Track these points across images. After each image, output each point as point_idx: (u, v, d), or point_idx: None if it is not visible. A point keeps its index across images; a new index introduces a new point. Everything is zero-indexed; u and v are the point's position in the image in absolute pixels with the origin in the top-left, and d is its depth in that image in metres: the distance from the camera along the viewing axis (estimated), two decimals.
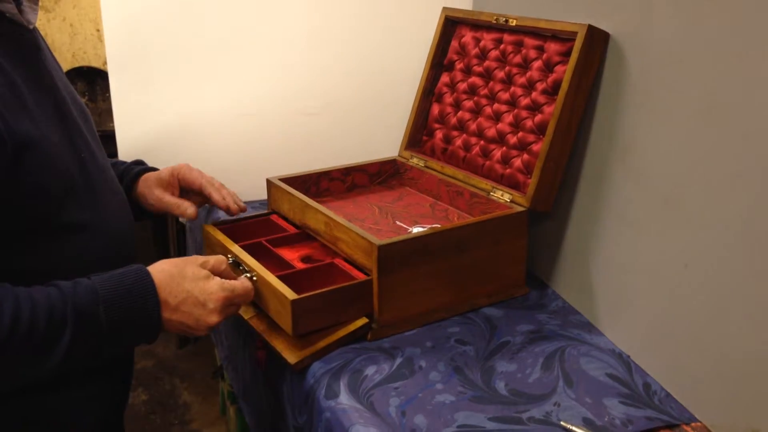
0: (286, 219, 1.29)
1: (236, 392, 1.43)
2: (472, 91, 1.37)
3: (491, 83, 1.33)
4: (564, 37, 1.19)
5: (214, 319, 0.97)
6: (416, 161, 1.43)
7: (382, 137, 1.57)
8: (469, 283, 1.17)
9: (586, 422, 0.92)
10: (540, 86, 1.23)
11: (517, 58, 1.28)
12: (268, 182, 1.32)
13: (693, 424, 0.92)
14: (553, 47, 1.21)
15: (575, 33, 1.14)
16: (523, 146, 1.25)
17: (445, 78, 1.43)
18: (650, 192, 1.03)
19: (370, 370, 1.02)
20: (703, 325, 0.94)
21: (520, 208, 1.19)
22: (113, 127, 1.52)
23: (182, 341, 2.90)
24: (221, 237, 1.19)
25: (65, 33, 2.95)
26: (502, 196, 1.23)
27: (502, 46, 1.31)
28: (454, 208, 1.33)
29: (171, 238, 2.77)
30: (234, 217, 1.27)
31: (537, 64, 1.24)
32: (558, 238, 1.25)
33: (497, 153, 1.29)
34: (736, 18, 0.87)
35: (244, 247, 1.16)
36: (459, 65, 1.40)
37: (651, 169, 1.03)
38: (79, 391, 0.99)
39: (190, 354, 2.86)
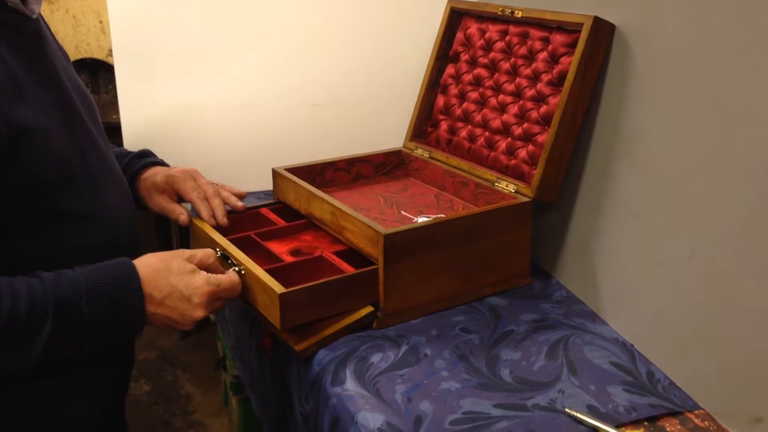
0: (290, 208, 1.29)
1: (243, 380, 1.44)
2: (477, 82, 1.37)
3: (496, 75, 1.33)
4: (570, 29, 1.20)
5: (199, 313, 0.97)
6: (421, 152, 1.43)
7: (387, 128, 1.58)
8: (473, 272, 1.17)
9: (590, 409, 0.93)
10: (545, 77, 1.23)
11: (523, 50, 1.28)
12: (274, 172, 1.32)
13: (696, 412, 0.93)
14: (558, 39, 1.22)
15: (581, 24, 1.15)
16: (528, 137, 1.25)
17: (450, 69, 1.43)
18: (655, 183, 1.04)
19: (375, 358, 1.03)
20: (707, 314, 0.95)
21: (525, 199, 1.19)
22: (116, 119, 1.52)
23: (184, 332, 2.91)
24: (209, 230, 1.18)
25: (68, 25, 2.95)
26: (507, 186, 1.24)
27: (507, 38, 1.32)
28: (458, 199, 1.34)
29: (174, 229, 2.78)
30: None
31: (542, 55, 1.24)
32: (562, 228, 1.25)
33: (502, 144, 1.30)
34: (743, 11, 0.88)
35: (232, 241, 1.15)
36: (464, 57, 1.41)
37: (656, 161, 1.04)
38: (77, 378, 0.99)
39: (192, 345, 2.87)
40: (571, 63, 1.16)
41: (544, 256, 1.30)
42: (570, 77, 1.16)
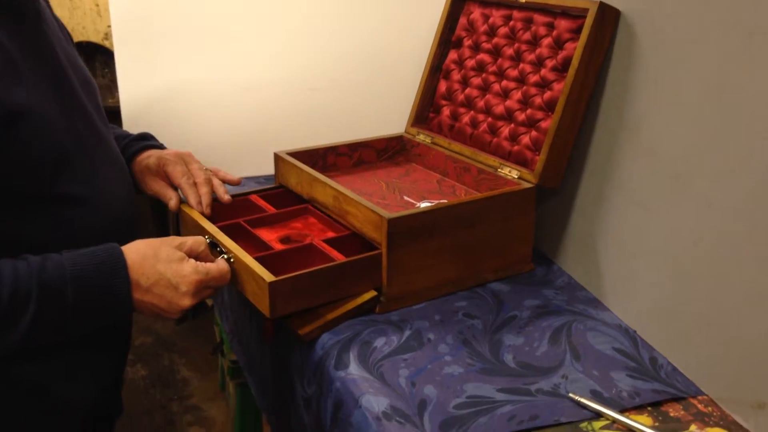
0: (293, 192, 1.29)
1: (242, 365, 1.44)
2: (480, 68, 1.37)
3: (500, 60, 1.33)
4: (575, 14, 1.19)
5: (186, 302, 0.96)
6: (423, 138, 1.43)
7: (389, 114, 1.57)
8: (476, 258, 1.17)
9: (593, 394, 0.93)
10: (549, 63, 1.23)
11: (527, 35, 1.28)
12: (276, 156, 1.32)
13: (700, 397, 0.93)
14: (563, 24, 1.21)
15: (586, 10, 1.14)
16: (531, 123, 1.25)
17: (453, 55, 1.43)
18: (660, 170, 1.04)
19: (379, 342, 1.03)
20: (711, 301, 0.95)
21: (528, 185, 1.19)
22: (111, 102, 1.51)
23: (180, 319, 2.91)
24: (197, 217, 1.17)
25: (65, 8, 2.93)
26: (510, 172, 1.24)
27: (511, 23, 1.31)
28: (461, 185, 1.34)
29: (169, 214, 2.76)
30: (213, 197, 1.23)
31: (547, 41, 1.24)
32: (565, 215, 1.25)
33: (505, 130, 1.30)
34: None
35: (221, 228, 1.14)
36: (467, 42, 1.40)
37: (661, 147, 1.04)
38: (72, 360, 0.99)
39: (188, 330, 2.87)
40: (575, 49, 1.16)
41: (546, 242, 1.30)
42: (575, 63, 1.15)
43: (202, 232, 1.13)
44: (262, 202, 1.27)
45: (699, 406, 0.92)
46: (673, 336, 1.01)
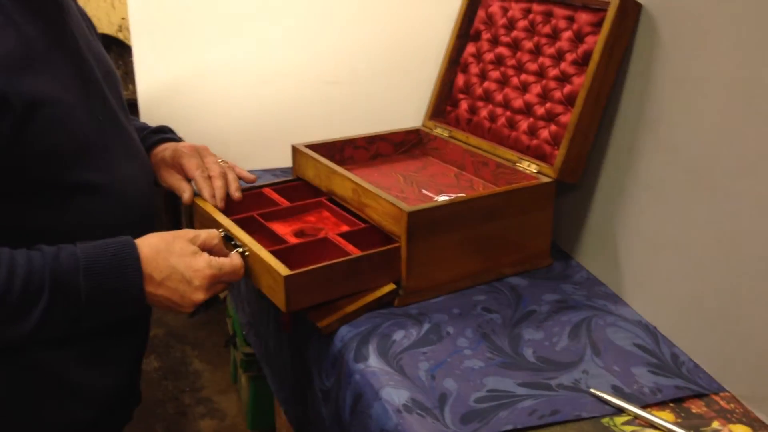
0: (310, 185, 1.29)
1: (258, 357, 1.44)
2: (498, 61, 1.36)
3: (519, 54, 1.32)
4: (595, 8, 1.18)
5: (199, 296, 0.96)
6: (440, 131, 1.42)
7: (405, 107, 1.57)
8: (494, 252, 1.17)
9: (615, 390, 0.93)
10: (570, 57, 1.22)
11: (546, 29, 1.27)
12: (294, 148, 1.31)
13: (722, 394, 0.93)
14: (584, 17, 1.20)
15: (607, 3, 1.14)
16: (550, 117, 1.24)
17: (471, 48, 1.42)
18: (681, 164, 1.03)
19: (398, 335, 1.03)
20: (733, 297, 0.94)
21: (547, 179, 1.19)
22: (126, 94, 1.51)
23: (193, 310, 2.92)
24: (211, 210, 1.16)
25: (79, 0, 2.93)
26: (529, 166, 1.23)
27: (530, 16, 1.30)
28: (478, 179, 1.33)
29: (182, 207, 2.77)
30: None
31: (567, 34, 1.23)
32: (583, 209, 1.25)
33: (524, 124, 1.29)
34: None
35: (235, 221, 1.13)
36: (486, 35, 1.39)
37: (682, 141, 1.03)
38: (92, 349, 0.99)
39: (200, 323, 2.88)
40: (596, 42, 1.15)
41: (564, 237, 1.30)
42: (595, 57, 1.14)
43: (215, 225, 1.13)
44: (275, 196, 1.27)
45: (721, 402, 0.91)
46: (695, 332, 1.00)
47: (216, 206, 1.18)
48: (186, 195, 1.18)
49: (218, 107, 1.52)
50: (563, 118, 1.22)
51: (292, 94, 1.56)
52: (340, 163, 1.32)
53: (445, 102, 1.46)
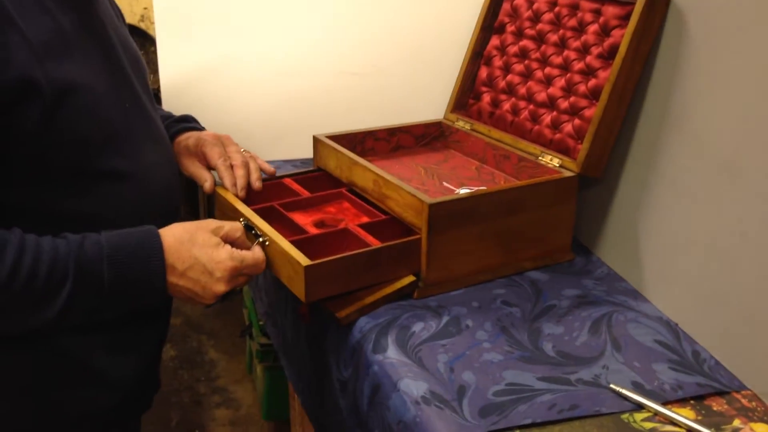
0: (331, 176, 1.29)
1: (276, 347, 1.44)
2: (522, 54, 1.35)
3: (543, 47, 1.31)
4: (623, 1, 1.17)
5: (221, 287, 0.96)
6: (462, 124, 1.42)
7: (428, 99, 1.56)
8: (515, 246, 1.16)
9: (635, 386, 0.92)
10: (595, 50, 1.21)
11: (572, 22, 1.26)
12: (315, 139, 1.31)
13: (743, 392, 0.92)
14: (611, 11, 1.19)
15: None
16: (574, 111, 1.23)
17: (495, 41, 1.41)
18: (706, 160, 1.02)
19: (417, 327, 1.02)
20: (756, 294, 0.93)
21: (570, 174, 1.18)
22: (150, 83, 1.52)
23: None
24: (232, 199, 1.16)
25: None
26: (552, 160, 1.22)
27: (556, 9, 1.29)
28: (500, 172, 1.33)
29: (201, 196, 2.78)
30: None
31: (593, 27, 1.22)
32: (606, 204, 1.24)
33: (547, 117, 1.28)
34: None
35: (255, 211, 1.13)
36: (510, 28, 1.38)
37: (708, 137, 1.02)
38: (115, 336, 1.00)
39: (216, 313, 2.90)
40: (623, 36, 1.14)
41: (586, 232, 1.29)
42: (622, 51, 1.13)
43: (236, 214, 1.13)
44: (296, 186, 1.27)
45: (743, 401, 0.90)
46: (716, 329, 0.99)
47: (237, 195, 1.18)
48: (207, 184, 1.18)
49: (240, 97, 1.52)
50: (587, 112, 1.21)
51: (314, 85, 1.56)
52: (360, 154, 1.32)
53: (467, 95, 1.45)
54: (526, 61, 1.34)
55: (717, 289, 1.00)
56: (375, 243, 1.07)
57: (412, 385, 0.91)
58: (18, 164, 0.88)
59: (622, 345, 1.00)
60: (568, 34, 1.26)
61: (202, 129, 1.28)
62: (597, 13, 1.21)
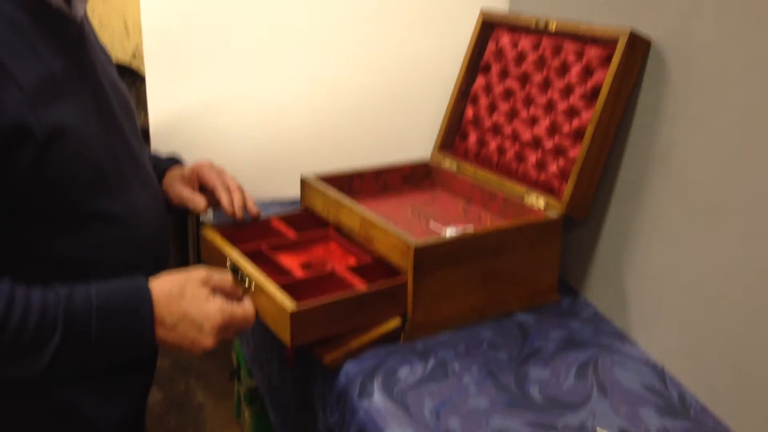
0: (319, 216, 1.28)
1: (262, 391, 1.42)
2: (508, 94, 1.36)
3: (528, 87, 1.32)
4: (605, 43, 1.18)
5: (209, 342, 0.95)
6: (449, 163, 1.42)
7: (415, 138, 1.57)
8: (501, 287, 1.16)
9: None
10: (579, 91, 1.22)
11: (556, 63, 1.27)
12: (302, 180, 1.31)
13: None
14: (593, 52, 1.20)
15: (617, 38, 1.13)
16: (559, 151, 1.24)
17: (480, 81, 1.42)
18: (689, 201, 1.02)
19: (403, 372, 1.01)
20: (742, 338, 0.93)
21: (555, 214, 1.18)
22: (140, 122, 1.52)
23: None
24: (219, 241, 1.16)
25: (93, 27, 2.97)
26: (537, 200, 1.22)
27: (540, 50, 1.30)
28: (486, 212, 1.32)
29: (191, 239, 2.77)
30: (236, 221, 1.24)
31: (576, 68, 1.23)
32: (591, 245, 1.24)
33: (532, 157, 1.28)
34: None
35: (243, 253, 1.13)
36: (495, 68, 1.39)
37: (691, 179, 1.02)
38: (101, 383, 0.99)
39: (205, 355, 2.84)
40: (605, 77, 1.15)
41: (572, 272, 1.28)
42: (604, 91, 1.14)
43: (223, 256, 1.13)
44: (283, 227, 1.26)
45: None
46: (703, 373, 0.98)
47: (233, 215, 1.19)
48: (201, 204, 1.18)
49: (229, 137, 1.53)
50: (572, 153, 1.21)
51: (303, 125, 1.56)
52: (348, 194, 1.32)
53: (454, 134, 1.46)
54: (512, 101, 1.35)
55: (702, 331, 0.99)
56: (361, 286, 1.06)
57: None
58: (7, 206, 0.88)
59: (608, 389, 0.99)
60: (552, 74, 1.27)
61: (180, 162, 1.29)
62: (579, 54, 1.23)
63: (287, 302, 0.98)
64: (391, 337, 1.07)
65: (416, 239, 1.06)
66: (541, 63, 1.30)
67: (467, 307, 1.13)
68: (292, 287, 1.04)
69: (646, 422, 0.93)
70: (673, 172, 1.06)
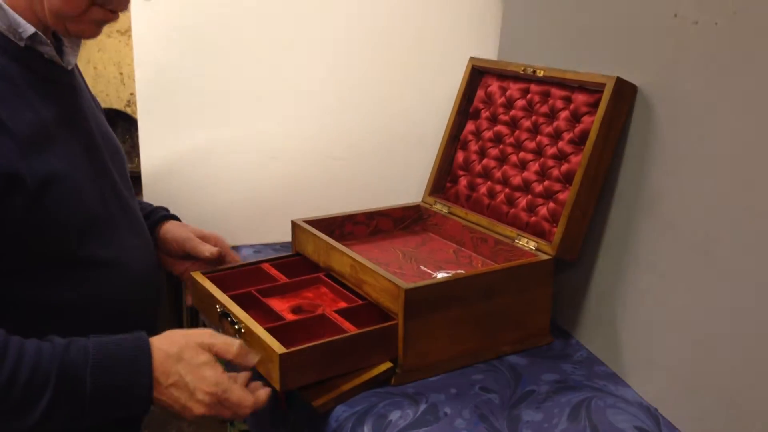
0: (310, 260, 1.29)
1: None
2: (497, 139, 1.38)
3: (517, 132, 1.34)
4: (592, 89, 1.20)
5: (199, 410, 0.93)
6: (440, 207, 1.43)
7: (406, 183, 1.59)
8: (493, 330, 1.16)
9: None
10: (567, 136, 1.24)
11: (544, 108, 1.29)
12: (293, 224, 1.32)
13: None
14: (580, 98, 1.22)
15: (603, 85, 1.16)
16: (549, 195, 1.25)
17: (470, 126, 1.44)
18: (679, 243, 1.03)
19: (394, 416, 1.01)
20: (735, 379, 0.93)
21: (546, 257, 1.18)
22: (132, 168, 1.53)
23: None
24: (209, 286, 1.16)
25: (89, 75, 3.00)
26: (528, 243, 1.23)
27: (528, 96, 1.33)
28: (478, 255, 1.33)
29: (184, 291, 2.75)
30: (226, 266, 1.25)
31: (564, 114, 1.25)
32: (583, 287, 1.24)
33: (522, 201, 1.30)
34: (764, 73, 0.88)
35: (232, 297, 1.13)
36: (485, 114, 1.42)
37: (680, 220, 1.03)
38: (94, 428, 0.98)
39: None
40: (593, 122, 1.17)
41: (564, 314, 1.29)
42: (592, 136, 1.16)
43: (212, 300, 1.13)
44: (273, 271, 1.26)
45: None
46: (696, 415, 0.98)
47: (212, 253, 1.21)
48: (214, 249, 1.23)
49: (220, 182, 1.54)
50: (561, 196, 1.23)
51: (294, 170, 1.58)
52: (340, 238, 1.33)
53: (444, 178, 1.47)
54: (501, 146, 1.37)
55: (696, 373, 0.99)
56: (352, 329, 1.06)
57: None
58: None
59: None
60: (541, 120, 1.29)
61: (177, 218, 1.30)
62: (567, 100, 1.25)
63: (276, 345, 0.98)
64: (382, 381, 1.07)
65: (407, 282, 1.06)
66: (529, 108, 1.32)
67: (459, 350, 1.13)
68: (281, 330, 1.04)
69: None
70: (662, 214, 1.07)
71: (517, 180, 1.31)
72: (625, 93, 1.14)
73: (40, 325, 0.90)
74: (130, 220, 1.09)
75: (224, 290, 1.15)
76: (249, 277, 1.23)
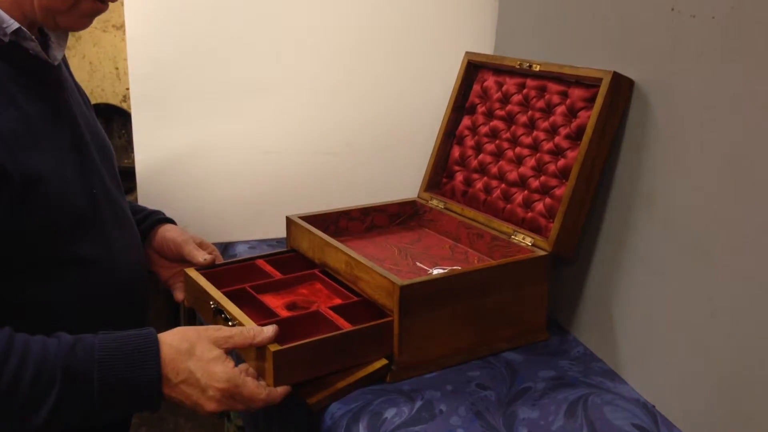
0: (305, 256, 1.28)
1: (248, 431, 1.40)
2: (493, 134, 1.37)
3: (513, 127, 1.33)
4: (588, 83, 1.20)
5: (211, 407, 0.92)
6: (436, 203, 1.42)
7: (402, 178, 1.58)
8: (489, 326, 1.15)
9: None
10: (563, 131, 1.23)
11: (540, 103, 1.28)
12: (288, 220, 1.31)
13: None
14: (577, 93, 1.22)
15: (600, 79, 1.15)
16: (545, 190, 1.24)
17: (466, 121, 1.43)
18: (676, 239, 1.02)
19: (389, 413, 1.00)
20: (731, 375, 0.92)
21: (542, 252, 1.18)
22: (127, 163, 1.52)
23: None
24: (203, 282, 1.15)
25: (84, 71, 2.98)
26: (524, 239, 1.22)
27: (525, 91, 1.32)
28: (474, 251, 1.32)
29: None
30: (220, 263, 1.24)
31: (560, 109, 1.24)
32: (579, 283, 1.23)
33: (519, 197, 1.29)
34: (762, 67, 0.87)
35: (226, 293, 1.12)
36: (481, 109, 1.41)
37: (676, 216, 1.03)
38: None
39: None
40: (589, 117, 1.16)
41: (561, 311, 1.28)
42: (588, 131, 1.15)
43: (205, 296, 1.12)
44: (268, 267, 1.26)
45: None
46: (693, 411, 0.98)
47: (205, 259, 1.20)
48: (210, 256, 1.22)
49: (215, 178, 1.53)
50: (558, 191, 1.22)
51: (290, 165, 1.57)
52: (335, 234, 1.32)
53: (440, 174, 1.46)
54: (497, 141, 1.36)
55: (693, 369, 0.99)
56: (346, 326, 1.06)
57: None
58: None
59: (598, 429, 0.98)
60: (537, 115, 1.28)
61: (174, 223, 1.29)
62: (564, 95, 1.24)
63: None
64: (378, 378, 1.06)
65: (402, 278, 1.06)
66: (525, 103, 1.32)
67: (455, 347, 1.12)
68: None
69: None
70: (659, 210, 1.06)
71: (513, 175, 1.31)
72: (621, 88, 1.13)
73: (28, 324, 0.89)
74: (118, 216, 1.07)
75: (218, 286, 1.14)
76: (243, 274, 1.22)
